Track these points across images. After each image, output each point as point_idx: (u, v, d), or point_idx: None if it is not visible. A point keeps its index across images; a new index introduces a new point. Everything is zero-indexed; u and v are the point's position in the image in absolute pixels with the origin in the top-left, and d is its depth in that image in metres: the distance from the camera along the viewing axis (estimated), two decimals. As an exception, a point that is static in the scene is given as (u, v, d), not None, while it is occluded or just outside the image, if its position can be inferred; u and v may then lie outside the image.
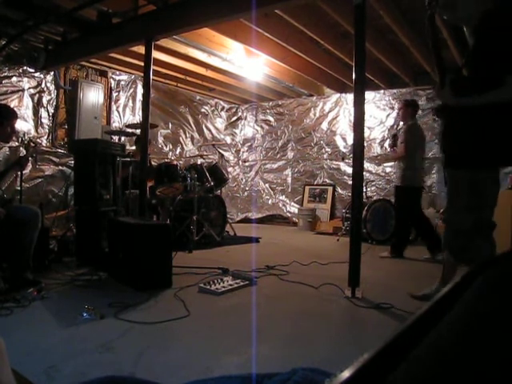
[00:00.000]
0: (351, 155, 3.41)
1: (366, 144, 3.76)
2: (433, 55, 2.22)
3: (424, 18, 2.27)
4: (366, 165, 6.63)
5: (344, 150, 7.31)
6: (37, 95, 5.36)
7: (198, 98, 7.94)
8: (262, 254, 4.66)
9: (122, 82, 6.51)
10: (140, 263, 2.99)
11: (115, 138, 5.63)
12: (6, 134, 3.01)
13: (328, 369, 0.49)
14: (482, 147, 2.00)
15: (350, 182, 3.35)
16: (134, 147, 5.82)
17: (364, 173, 3.32)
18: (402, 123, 4.85)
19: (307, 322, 2.44)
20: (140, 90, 6.55)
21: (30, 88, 5.26)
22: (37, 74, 5.32)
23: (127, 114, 6.57)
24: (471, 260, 2.11)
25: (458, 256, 2.23)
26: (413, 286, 3.05)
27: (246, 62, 5.78)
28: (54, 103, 5.58)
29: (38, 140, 5.20)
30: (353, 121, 3.15)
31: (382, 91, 6.90)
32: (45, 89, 5.45)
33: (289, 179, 8.06)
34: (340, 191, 7.40)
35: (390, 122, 6.77)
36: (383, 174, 6.90)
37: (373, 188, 6.86)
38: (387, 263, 4.35)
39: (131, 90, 6.64)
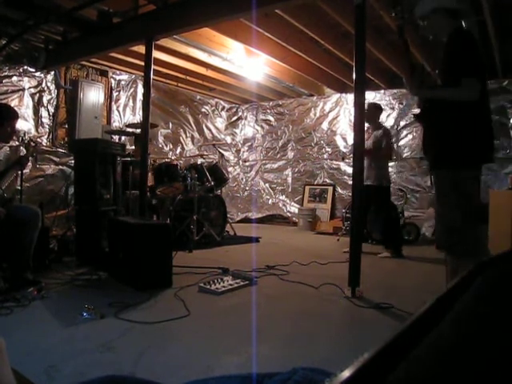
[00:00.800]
0: (351, 155, 3.42)
1: (366, 143, 3.83)
2: (405, 57, 2.64)
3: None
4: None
5: (344, 150, 7.30)
6: (37, 95, 5.36)
7: (198, 97, 7.93)
8: (262, 253, 4.66)
9: (123, 82, 6.51)
10: (140, 263, 2.99)
11: (115, 138, 5.64)
12: (7, 134, 3.01)
13: (328, 368, 0.49)
14: (461, 148, 2.20)
15: (350, 182, 3.35)
16: (133, 147, 5.82)
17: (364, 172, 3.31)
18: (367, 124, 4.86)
19: (307, 322, 2.44)
20: (140, 90, 6.54)
21: (30, 87, 5.26)
22: (37, 74, 5.32)
23: (127, 113, 6.57)
24: (466, 252, 2.25)
25: (451, 250, 2.34)
26: (413, 286, 3.05)
27: (246, 61, 5.78)
28: (55, 103, 5.58)
29: (39, 139, 5.19)
30: (353, 121, 3.16)
31: (382, 91, 6.90)
32: (45, 88, 5.45)
33: (289, 179, 8.05)
34: (340, 191, 7.40)
35: (391, 122, 6.76)
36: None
37: (373, 188, 6.85)
38: (387, 263, 4.35)
39: (131, 90, 6.64)
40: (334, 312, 2.67)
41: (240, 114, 8.72)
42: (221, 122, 8.47)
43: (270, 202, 8.20)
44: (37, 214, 2.96)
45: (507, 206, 4.33)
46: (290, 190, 8.02)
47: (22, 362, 1.66)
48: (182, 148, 7.57)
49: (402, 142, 6.70)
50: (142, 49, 4.42)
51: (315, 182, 7.71)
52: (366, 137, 4.84)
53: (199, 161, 5.93)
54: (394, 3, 2.65)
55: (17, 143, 4.84)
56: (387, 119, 6.83)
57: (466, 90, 2.15)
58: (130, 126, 5.28)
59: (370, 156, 4.66)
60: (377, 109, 4.86)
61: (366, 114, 4.75)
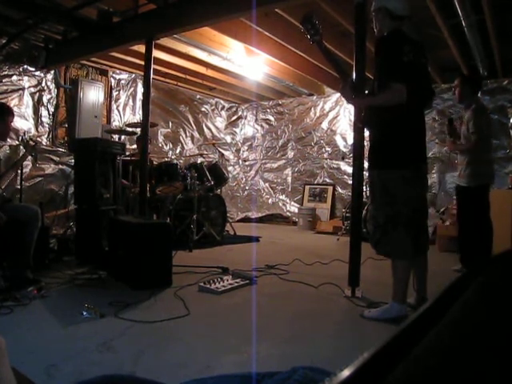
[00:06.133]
0: (351, 155, 3.41)
1: (366, 143, 3.74)
2: (333, 68, 2.60)
3: (422, 16, 2.42)
4: (366, 164, 6.62)
5: (344, 150, 7.30)
6: (37, 94, 5.35)
7: (198, 97, 7.93)
8: (262, 253, 4.66)
9: (123, 81, 6.50)
10: (140, 262, 3.00)
11: (115, 137, 5.63)
12: (4, 132, 3.05)
13: (328, 368, 0.49)
14: (389, 151, 2.37)
15: (350, 182, 3.35)
16: (134, 146, 5.82)
17: (364, 172, 3.31)
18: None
19: (307, 322, 2.44)
20: (140, 89, 6.54)
21: (30, 87, 5.25)
22: (37, 73, 5.31)
23: (127, 112, 6.56)
24: (387, 252, 2.46)
25: (376, 248, 2.49)
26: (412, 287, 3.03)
27: (246, 61, 5.77)
28: (55, 102, 5.57)
29: (39, 139, 5.20)
30: (353, 120, 3.15)
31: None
32: (45, 88, 5.44)
33: (289, 178, 8.05)
34: (340, 191, 7.40)
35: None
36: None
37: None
38: (387, 263, 4.34)
39: (131, 89, 6.63)
40: (333, 311, 2.68)
41: (240, 113, 8.71)
42: (221, 122, 8.47)
43: (269, 201, 8.20)
44: (36, 214, 2.97)
45: (507, 205, 4.33)
46: (289, 189, 8.02)
47: (22, 361, 1.66)
48: (182, 147, 7.57)
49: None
50: (141, 48, 4.42)
51: (315, 182, 7.71)
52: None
53: (199, 160, 5.93)
54: (305, 20, 2.49)
55: (17, 142, 4.84)
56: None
57: (391, 95, 2.24)
58: (129, 125, 5.28)
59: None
60: (465, 83, 3.56)
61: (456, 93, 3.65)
